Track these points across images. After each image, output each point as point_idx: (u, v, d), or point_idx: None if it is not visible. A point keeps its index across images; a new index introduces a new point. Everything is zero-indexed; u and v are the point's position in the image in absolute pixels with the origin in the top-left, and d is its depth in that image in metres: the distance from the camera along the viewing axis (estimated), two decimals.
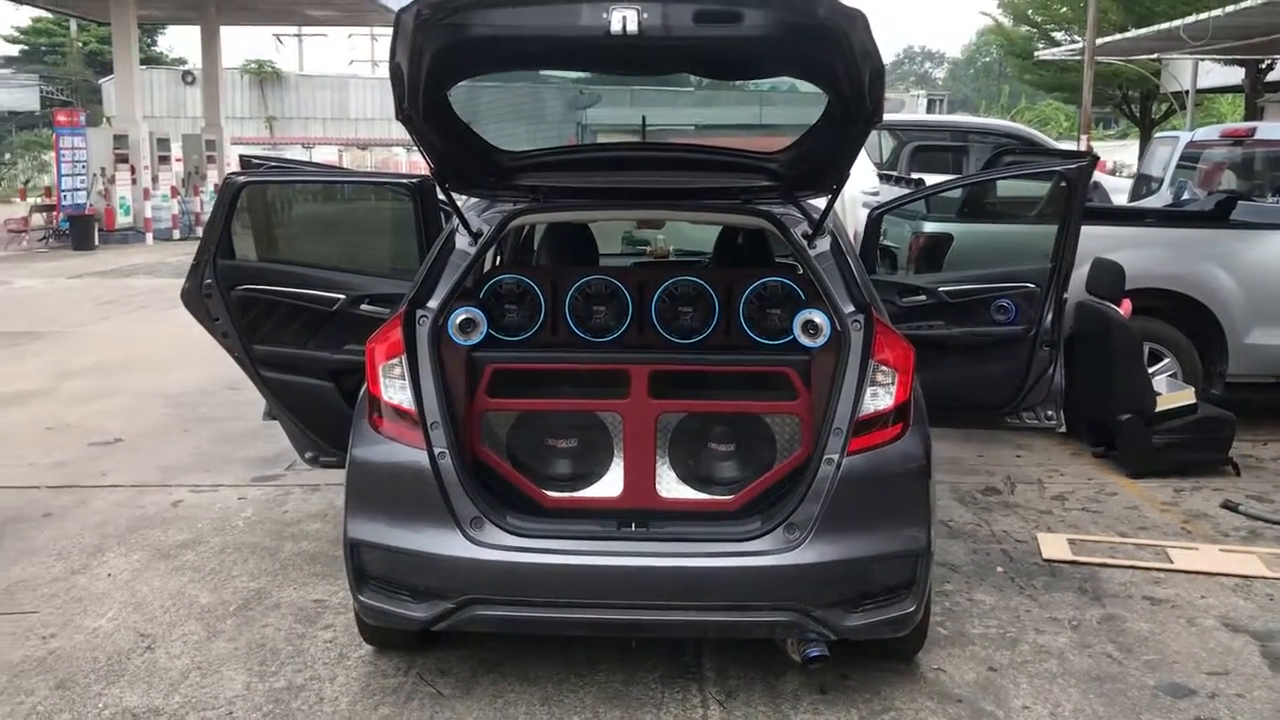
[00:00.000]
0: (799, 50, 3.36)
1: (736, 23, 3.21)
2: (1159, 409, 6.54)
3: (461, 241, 4.05)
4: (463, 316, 3.90)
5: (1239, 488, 6.34)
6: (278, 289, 4.93)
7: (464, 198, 4.33)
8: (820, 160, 4.00)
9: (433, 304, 3.84)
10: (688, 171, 4.23)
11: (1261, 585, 4.93)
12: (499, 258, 5.44)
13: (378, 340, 3.80)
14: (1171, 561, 5.17)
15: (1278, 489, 6.35)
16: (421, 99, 3.45)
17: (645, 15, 3.03)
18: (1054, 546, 5.34)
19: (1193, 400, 6.65)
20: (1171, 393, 6.71)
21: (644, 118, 4.66)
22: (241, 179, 4.82)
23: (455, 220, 4.09)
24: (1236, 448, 6.67)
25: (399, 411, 3.73)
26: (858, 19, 3.10)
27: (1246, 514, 5.89)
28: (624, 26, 3.03)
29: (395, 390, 3.74)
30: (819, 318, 3.88)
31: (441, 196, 4.15)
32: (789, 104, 10.03)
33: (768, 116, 10.92)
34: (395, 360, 3.75)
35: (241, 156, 5.42)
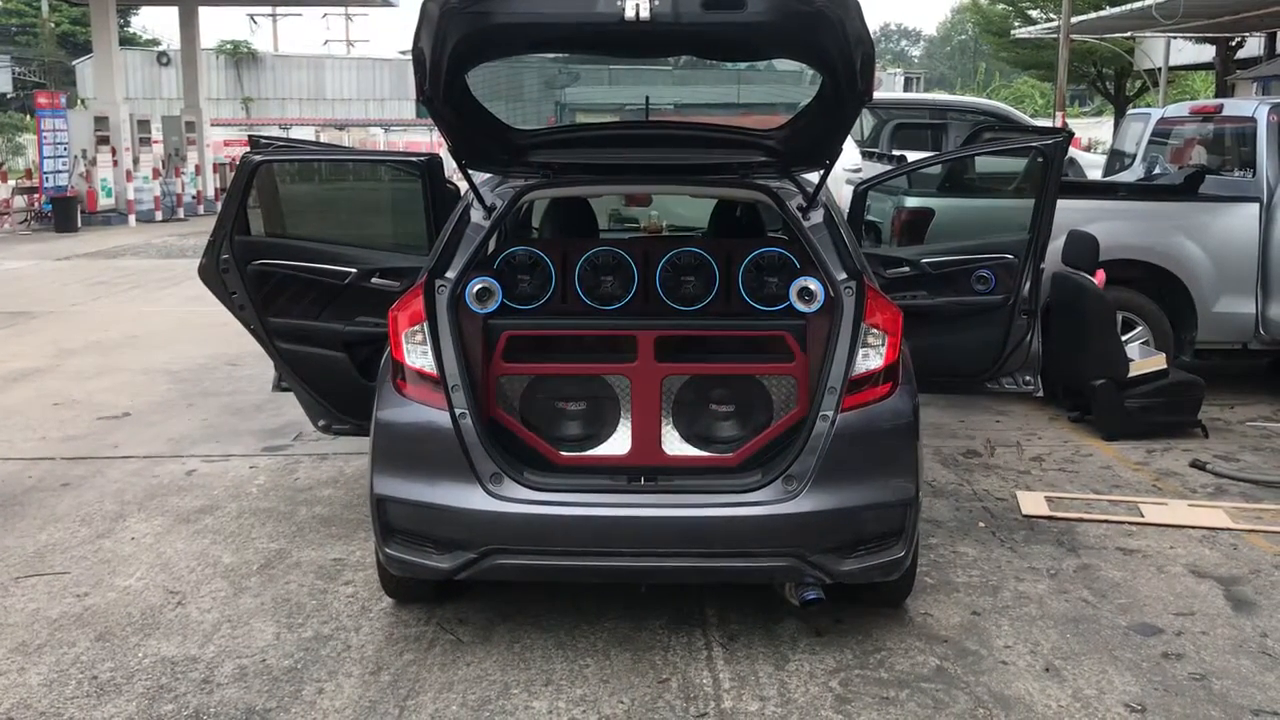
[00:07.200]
0: (797, 35, 3.59)
1: (740, 9, 3.44)
2: (1131, 374, 6.82)
3: (476, 215, 4.28)
4: (479, 286, 4.12)
5: (1207, 448, 6.64)
6: (292, 263, 5.12)
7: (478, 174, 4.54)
8: (814, 137, 4.24)
9: (451, 274, 4.06)
10: (689, 148, 4.47)
11: (1226, 536, 5.24)
12: (504, 232, 5.65)
13: (400, 308, 4.02)
14: (1143, 516, 5.47)
15: (1243, 449, 6.66)
16: (443, 82, 3.66)
17: (656, 2, 3.26)
18: (1032, 503, 5.63)
19: (1164, 366, 6.94)
20: (1143, 359, 6.98)
21: (647, 98, 4.88)
22: (257, 158, 5.00)
23: (470, 195, 4.31)
24: (1205, 411, 6.98)
25: (421, 375, 3.96)
26: (851, 6, 3.34)
27: (1214, 472, 6.19)
28: (637, 13, 3.26)
29: (417, 355, 3.97)
30: (813, 284, 4.13)
31: (458, 173, 4.36)
32: (766, 83, 10.18)
33: (745, 95, 11.03)
34: (417, 327, 3.97)
35: (251, 137, 5.59)
